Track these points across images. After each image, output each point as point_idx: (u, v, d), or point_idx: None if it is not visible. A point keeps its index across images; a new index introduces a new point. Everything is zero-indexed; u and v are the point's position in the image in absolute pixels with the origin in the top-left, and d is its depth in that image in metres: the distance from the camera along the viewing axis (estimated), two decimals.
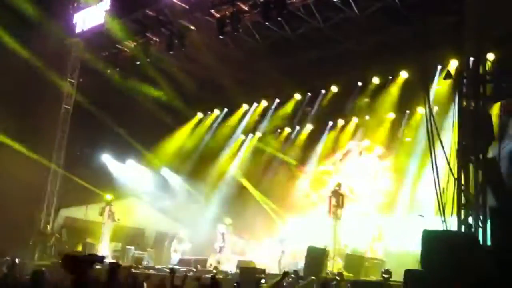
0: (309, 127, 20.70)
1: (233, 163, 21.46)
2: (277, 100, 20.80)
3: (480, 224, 9.69)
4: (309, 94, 19.88)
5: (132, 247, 19.48)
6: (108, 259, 18.76)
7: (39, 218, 20.36)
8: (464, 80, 10.40)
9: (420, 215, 15.13)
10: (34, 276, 6.42)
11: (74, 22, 19.24)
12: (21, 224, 19.44)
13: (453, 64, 13.92)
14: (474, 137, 9.99)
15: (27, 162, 18.07)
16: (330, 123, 20.04)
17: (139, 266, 16.88)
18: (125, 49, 18.87)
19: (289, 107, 20.48)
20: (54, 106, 19.49)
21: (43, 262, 17.20)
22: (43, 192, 20.51)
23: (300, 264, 15.10)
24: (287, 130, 21.35)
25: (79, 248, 18.69)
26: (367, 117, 18.98)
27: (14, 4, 16.49)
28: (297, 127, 21.05)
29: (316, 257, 14.10)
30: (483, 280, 7.94)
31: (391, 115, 18.19)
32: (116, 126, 20.32)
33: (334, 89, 18.92)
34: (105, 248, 19.36)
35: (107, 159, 22.38)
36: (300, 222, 20.33)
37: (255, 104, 21.37)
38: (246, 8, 15.29)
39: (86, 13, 18.95)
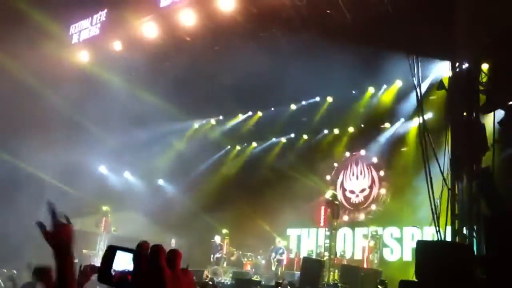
0: (305, 136, 20.67)
1: (229, 174, 21.41)
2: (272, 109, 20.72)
3: (474, 234, 9.67)
4: (303, 103, 19.82)
5: None
6: None
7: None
8: (457, 90, 10.45)
9: (415, 226, 15.14)
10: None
11: (70, 33, 19.24)
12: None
13: (446, 74, 13.96)
14: (467, 148, 10.00)
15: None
16: (326, 131, 20.02)
17: None
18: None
19: (286, 116, 20.41)
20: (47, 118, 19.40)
21: None
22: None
23: (297, 275, 15.08)
24: (283, 139, 21.33)
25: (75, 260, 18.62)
26: (362, 126, 18.98)
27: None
28: (292, 136, 21.02)
29: (312, 268, 14.08)
30: None
31: (387, 125, 18.21)
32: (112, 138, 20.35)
33: (329, 99, 18.91)
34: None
35: (103, 170, 22.40)
36: (297, 233, 20.32)
37: (250, 113, 21.30)
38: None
39: (81, 24, 18.96)
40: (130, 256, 1.27)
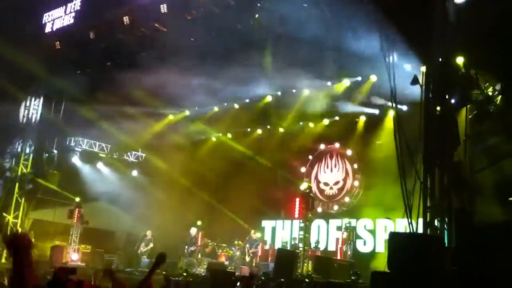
0: (280, 129, 20.70)
1: (204, 165, 21.32)
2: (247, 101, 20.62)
3: (445, 226, 9.88)
4: (279, 94, 19.79)
5: (102, 250, 19.37)
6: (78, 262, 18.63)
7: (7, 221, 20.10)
8: (431, 85, 10.61)
9: (388, 218, 15.35)
10: None
11: (43, 22, 18.88)
12: None
13: (422, 69, 14.12)
14: (439, 141, 10.18)
15: None
16: (301, 123, 20.06)
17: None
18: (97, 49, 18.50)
19: (261, 108, 20.38)
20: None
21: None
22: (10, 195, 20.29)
23: (271, 266, 15.18)
24: (259, 131, 21.32)
25: (48, 251, 18.41)
26: (337, 119, 19.08)
27: None
28: (268, 127, 21.03)
29: (286, 259, 14.20)
30: (447, 280, 8.10)
31: (362, 118, 18.36)
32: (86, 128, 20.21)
33: (305, 91, 18.92)
34: (74, 251, 19.22)
35: (77, 161, 22.12)
36: (272, 224, 20.42)
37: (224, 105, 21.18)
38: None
39: (55, 13, 18.60)
40: None
